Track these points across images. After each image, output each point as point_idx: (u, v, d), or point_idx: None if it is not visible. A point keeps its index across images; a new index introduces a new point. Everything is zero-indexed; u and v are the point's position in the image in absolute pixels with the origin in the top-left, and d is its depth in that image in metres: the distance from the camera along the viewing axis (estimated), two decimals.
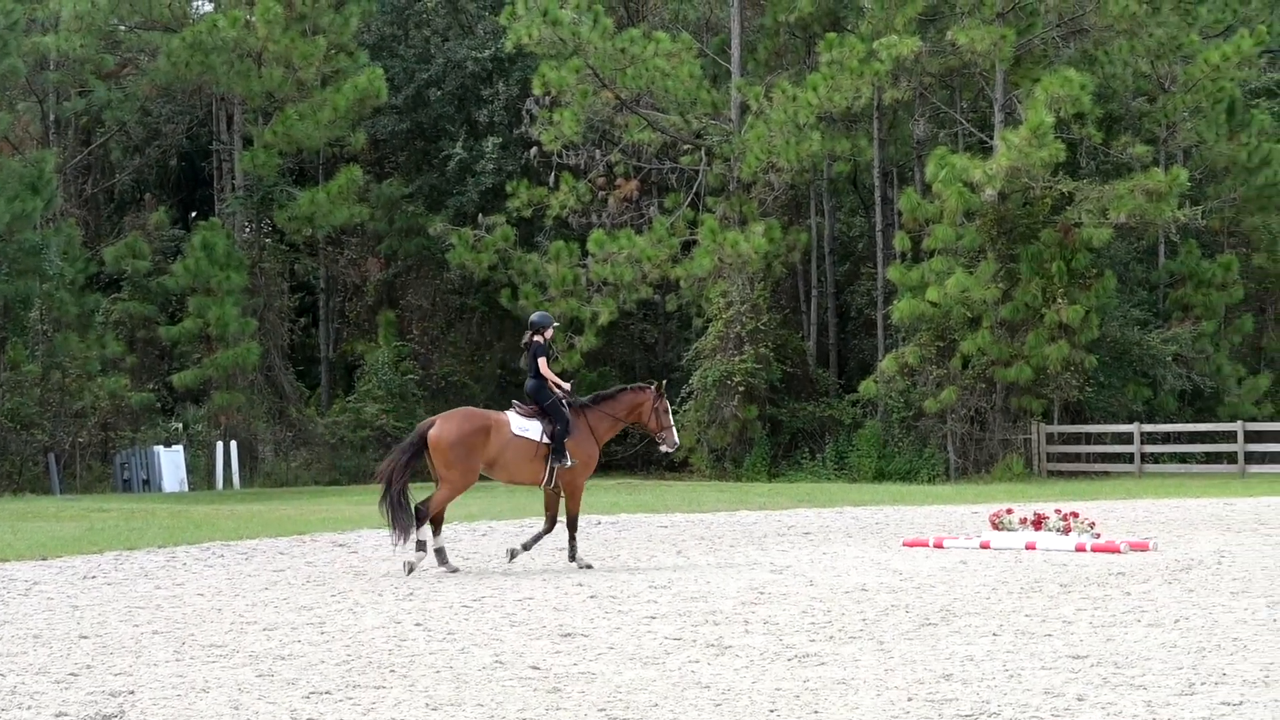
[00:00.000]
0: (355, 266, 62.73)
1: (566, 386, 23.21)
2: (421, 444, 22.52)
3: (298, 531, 30.07)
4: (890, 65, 50.12)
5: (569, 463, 22.55)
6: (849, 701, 12.31)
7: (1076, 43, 52.95)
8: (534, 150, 55.53)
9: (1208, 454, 49.67)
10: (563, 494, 22.98)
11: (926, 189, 50.93)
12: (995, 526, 25.30)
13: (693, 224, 54.46)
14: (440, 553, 22.44)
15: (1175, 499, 37.25)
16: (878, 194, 55.93)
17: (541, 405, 22.76)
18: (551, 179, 55.46)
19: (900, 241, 51.53)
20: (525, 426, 22.62)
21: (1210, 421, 50.62)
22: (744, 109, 53.71)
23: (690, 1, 60.48)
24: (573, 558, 22.90)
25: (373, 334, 60.56)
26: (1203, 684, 12.80)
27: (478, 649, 15.01)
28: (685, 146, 55.77)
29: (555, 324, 24.07)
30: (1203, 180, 53.76)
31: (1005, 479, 47.54)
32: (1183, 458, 49.89)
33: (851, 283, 59.68)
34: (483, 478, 23.17)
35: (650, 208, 56.38)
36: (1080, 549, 23.72)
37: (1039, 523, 24.83)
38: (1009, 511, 25.78)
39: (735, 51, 55.09)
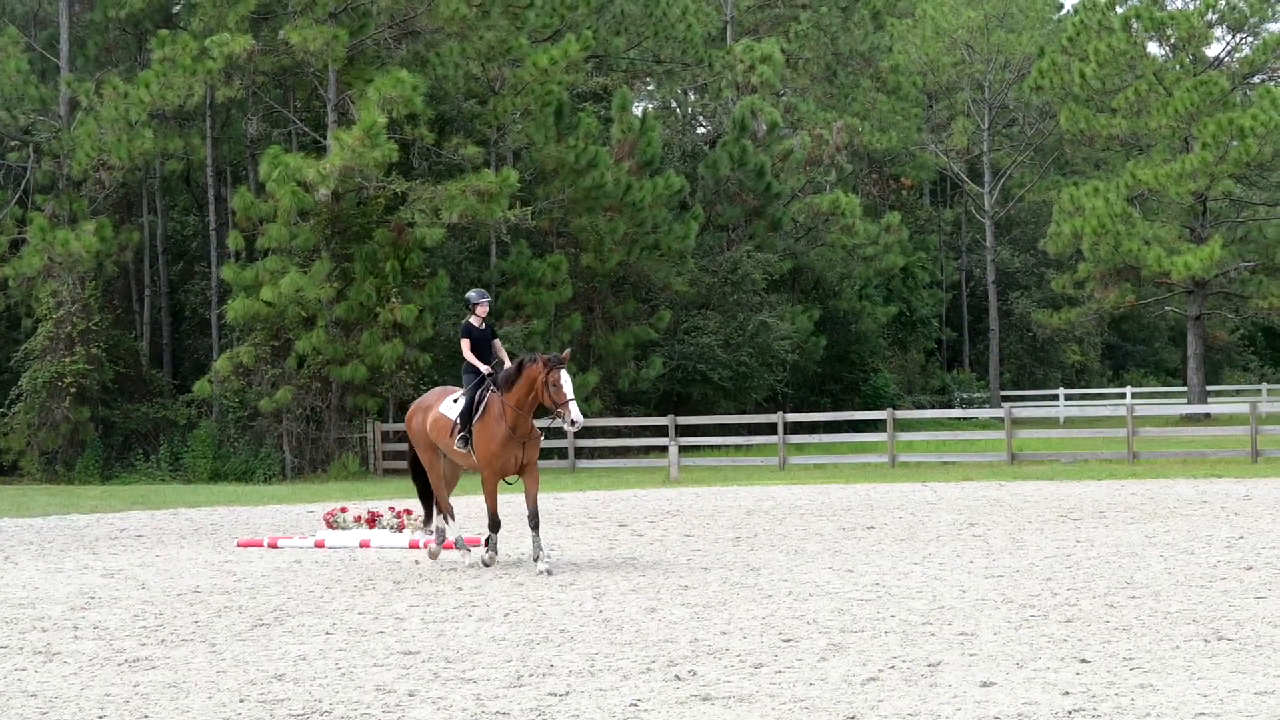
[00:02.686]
0: None
1: (484, 368, 21.46)
2: None
3: None
4: (223, 63, 49.50)
5: (459, 447, 21.35)
6: (180, 705, 12.14)
7: (409, 44, 53.36)
8: None
9: (541, 450, 50.75)
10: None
11: (260, 188, 50.54)
12: (330, 525, 25.31)
13: (21, 222, 52.72)
14: (439, 533, 22.73)
15: (511, 494, 37.94)
16: (211, 193, 55.24)
17: None
18: None
19: (234, 241, 51.01)
20: (451, 407, 21.68)
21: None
22: (74, 105, 52.29)
23: None
24: (529, 552, 21.86)
25: None
26: (531, 675, 13.06)
27: None
28: (13, 143, 54.03)
29: (487, 298, 22.14)
30: (532, 181, 54.94)
31: (341, 478, 47.60)
32: None
33: (186, 282, 58.69)
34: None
35: None
36: (414, 545, 23.93)
37: (373, 520, 24.96)
38: (343, 510, 25.84)
39: (64, 47, 53.53)
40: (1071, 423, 61.83)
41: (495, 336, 22.13)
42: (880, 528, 25.98)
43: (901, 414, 48.10)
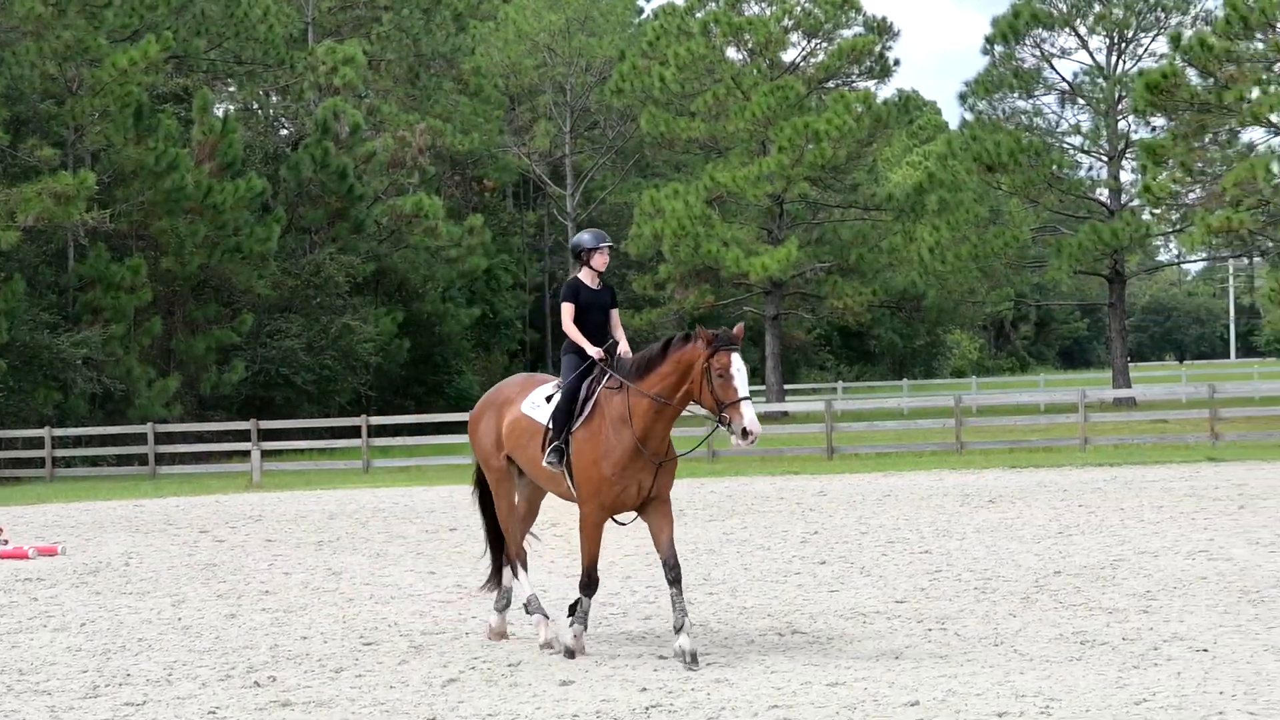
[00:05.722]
0: None
1: (593, 350, 14.48)
2: None
3: None
4: None
5: (550, 464, 14.23)
6: None
7: None
8: None
9: (119, 456, 49.75)
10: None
11: None
12: None
13: None
14: (503, 595, 15.38)
15: (86, 502, 37.14)
16: None
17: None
18: None
19: None
20: (539, 401, 14.83)
21: (121, 424, 50.73)
22: None
23: None
24: (572, 623, 14.22)
25: None
26: (107, 686, 12.87)
27: None
28: None
29: (607, 244, 15.05)
30: (111, 183, 53.74)
31: None
32: (94, 460, 49.76)
33: None
34: None
35: None
36: (3, 556, 23.30)
37: None
38: None
39: None
40: None
41: (615, 305, 15.10)
42: (463, 529, 26.08)
43: None
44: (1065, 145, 71.00)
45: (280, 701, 12.08)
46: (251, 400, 57.59)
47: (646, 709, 11.43)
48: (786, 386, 75.42)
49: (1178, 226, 69.17)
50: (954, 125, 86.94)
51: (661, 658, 13.52)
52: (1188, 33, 62.23)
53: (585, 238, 14.86)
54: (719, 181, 67.54)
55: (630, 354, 14.43)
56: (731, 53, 71.58)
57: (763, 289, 69.78)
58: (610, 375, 14.20)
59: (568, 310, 14.60)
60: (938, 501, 28.52)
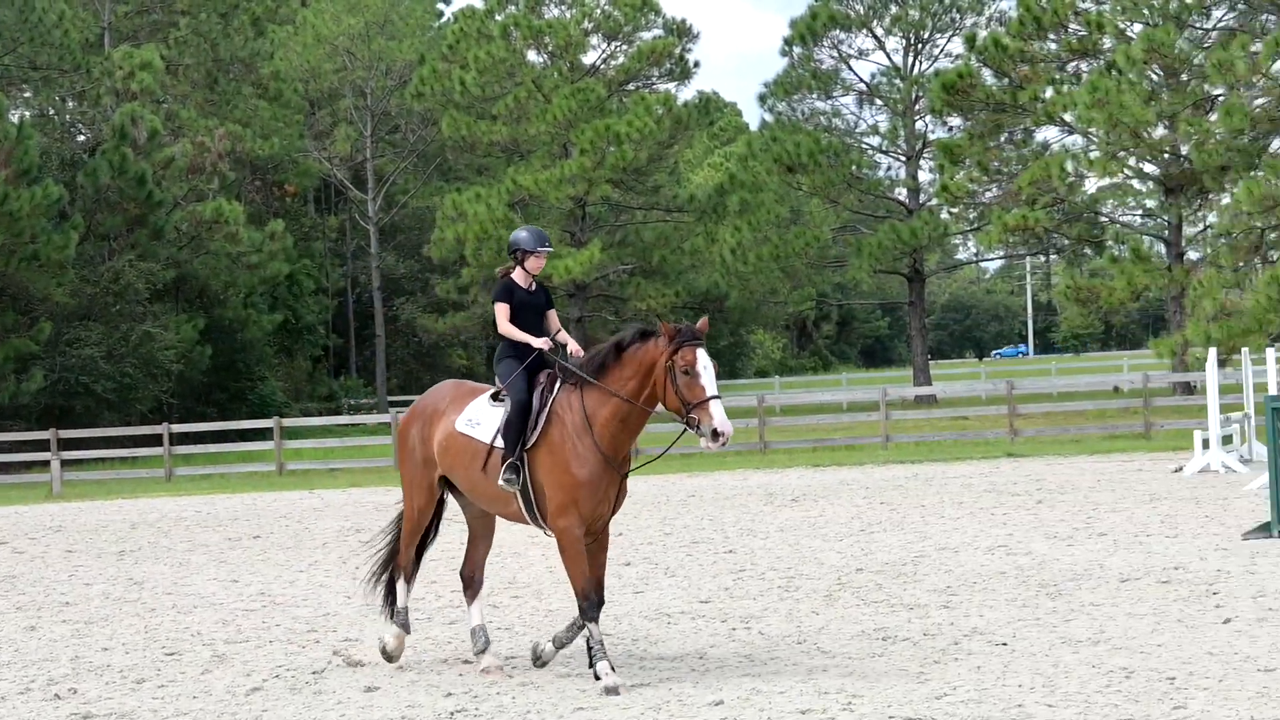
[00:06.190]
0: None
1: (538, 341, 13.41)
2: None
3: None
4: None
5: (507, 482, 12.86)
6: None
7: None
8: None
9: None
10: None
11: None
12: None
13: None
14: (478, 631, 13.60)
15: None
16: None
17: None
18: None
19: None
20: (477, 417, 13.39)
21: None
22: None
23: None
24: (592, 662, 12.50)
25: None
26: None
27: None
28: None
29: (548, 247, 13.86)
30: None
31: None
32: None
33: None
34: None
35: None
36: None
37: None
38: None
39: None
40: None
41: (551, 307, 13.93)
42: (266, 537, 25.89)
43: (289, 422, 48.00)
44: (864, 145, 72.00)
45: (82, 714, 11.92)
46: (51, 409, 56.62)
47: (451, 714, 11.41)
48: None
49: (975, 225, 70.33)
50: (754, 126, 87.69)
51: (466, 662, 13.49)
52: (982, 33, 63.24)
53: (524, 237, 13.68)
54: (521, 184, 67.49)
55: (580, 352, 13.29)
56: (532, 55, 71.49)
57: (566, 291, 69.79)
58: (563, 379, 13.09)
59: (502, 311, 13.43)
60: (742, 501, 28.73)
